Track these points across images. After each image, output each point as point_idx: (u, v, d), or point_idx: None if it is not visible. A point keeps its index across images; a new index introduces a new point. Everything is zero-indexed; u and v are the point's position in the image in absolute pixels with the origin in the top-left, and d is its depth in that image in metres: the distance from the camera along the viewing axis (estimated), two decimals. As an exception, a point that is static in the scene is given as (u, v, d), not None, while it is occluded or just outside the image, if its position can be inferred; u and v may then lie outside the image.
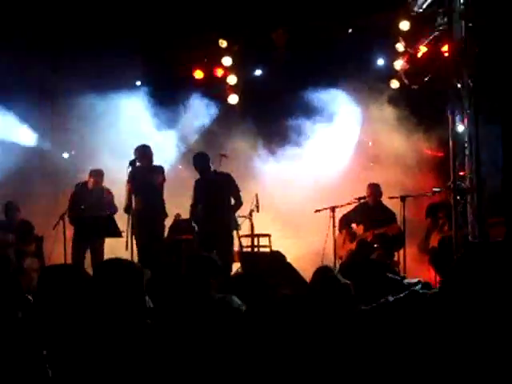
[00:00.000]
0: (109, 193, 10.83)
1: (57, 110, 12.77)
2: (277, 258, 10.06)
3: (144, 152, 10.32)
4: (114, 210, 10.63)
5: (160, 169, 10.42)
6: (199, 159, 10.21)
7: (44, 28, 12.05)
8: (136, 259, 9.61)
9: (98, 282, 3.59)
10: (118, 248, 10.08)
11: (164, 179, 10.39)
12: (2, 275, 3.97)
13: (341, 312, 4.00)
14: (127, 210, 10.06)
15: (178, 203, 10.87)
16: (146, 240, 10.12)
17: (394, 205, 10.52)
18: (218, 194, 9.96)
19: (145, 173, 10.20)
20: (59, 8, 11.90)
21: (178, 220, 11.16)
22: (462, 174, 9.16)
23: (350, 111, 12.72)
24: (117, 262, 3.72)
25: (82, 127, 12.59)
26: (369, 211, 10.65)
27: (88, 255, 10.57)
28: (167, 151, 12.31)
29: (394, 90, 12.65)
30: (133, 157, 10.14)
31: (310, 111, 12.61)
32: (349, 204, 10.75)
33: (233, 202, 10.12)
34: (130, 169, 10.04)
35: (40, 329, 3.54)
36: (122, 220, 10.18)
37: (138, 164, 10.16)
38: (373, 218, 10.52)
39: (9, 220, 10.79)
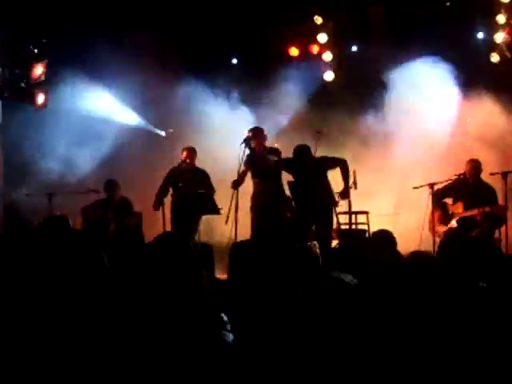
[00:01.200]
0: (204, 174, 10.93)
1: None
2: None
3: (258, 133, 10.39)
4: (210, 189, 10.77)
5: (277, 152, 10.43)
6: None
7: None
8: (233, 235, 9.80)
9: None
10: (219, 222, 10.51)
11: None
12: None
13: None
14: (235, 185, 10.19)
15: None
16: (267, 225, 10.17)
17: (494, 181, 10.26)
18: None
19: (263, 157, 10.27)
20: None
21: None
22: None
23: (449, 86, 12.41)
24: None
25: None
26: (468, 188, 10.33)
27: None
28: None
29: (494, 63, 12.32)
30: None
31: (408, 86, 12.37)
32: (448, 181, 10.49)
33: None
34: (246, 149, 10.19)
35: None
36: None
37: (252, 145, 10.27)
38: (473, 196, 10.24)
39: (109, 197, 11.02)
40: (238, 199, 10.12)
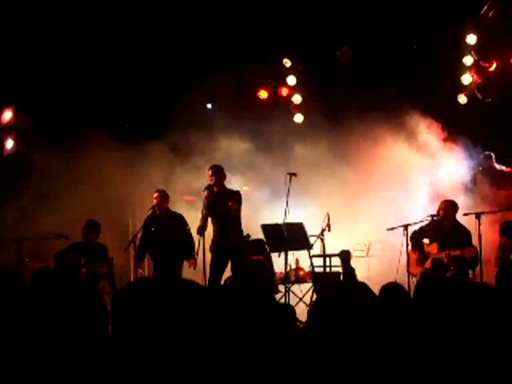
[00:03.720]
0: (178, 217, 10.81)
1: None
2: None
3: (218, 171, 10.28)
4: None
5: (237, 195, 10.25)
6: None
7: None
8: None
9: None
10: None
11: (240, 205, 10.21)
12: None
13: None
14: (199, 231, 10.06)
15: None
16: (224, 263, 10.11)
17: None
18: None
19: (221, 200, 10.11)
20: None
21: (248, 241, 11.11)
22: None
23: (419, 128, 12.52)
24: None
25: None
26: (443, 229, 10.34)
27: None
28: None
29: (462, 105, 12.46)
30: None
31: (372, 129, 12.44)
32: (422, 222, 10.51)
33: None
34: (207, 193, 10.09)
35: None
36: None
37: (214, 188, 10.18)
38: (447, 237, 10.24)
39: (85, 242, 10.83)
40: (204, 244, 9.94)
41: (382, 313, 4.98)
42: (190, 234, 10.48)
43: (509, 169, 11.66)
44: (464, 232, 10.18)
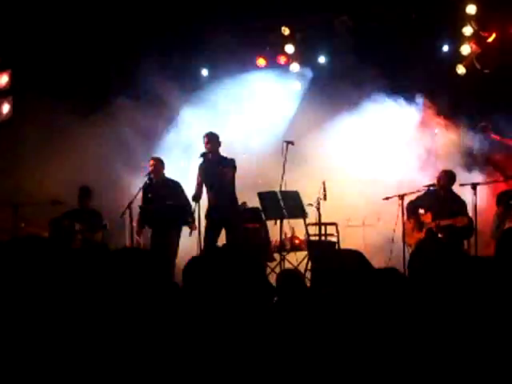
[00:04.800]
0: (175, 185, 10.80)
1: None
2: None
3: (212, 139, 10.23)
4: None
5: (231, 163, 10.20)
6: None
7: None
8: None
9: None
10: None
11: (234, 173, 10.19)
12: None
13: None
14: (194, 199, 10.05)
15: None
16: (218, 230, 10.12)
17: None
18: None
19: (215, 165, 10.08)
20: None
21: (244, 209, 11.12)
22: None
23: (413, 99, 12.50)
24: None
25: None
26: (438, 199, 10.35)
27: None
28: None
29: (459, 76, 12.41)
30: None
31: (374, 97, 12.43)
32: (418, 191, 10.52)
33: None
34: (202, 160, 10.09)
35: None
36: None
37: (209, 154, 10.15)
38: (442, 207, 10.26)
39: (80, 207, 10.83)
40: (199, 212, 9.95)
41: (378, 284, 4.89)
42: (188, 201, 10.45)
43: (505, 139, 11.66)
44: (459, 202, 10.20)
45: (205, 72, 13.68)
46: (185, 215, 10.31)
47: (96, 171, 11.88)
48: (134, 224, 10.51)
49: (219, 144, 10.26)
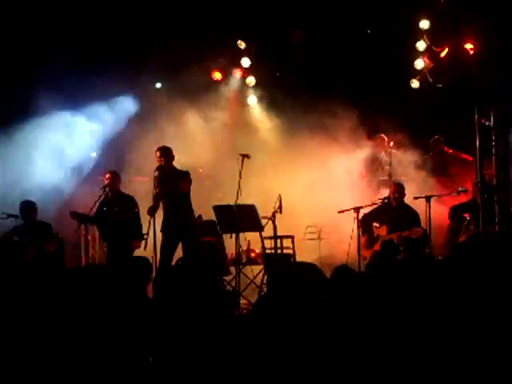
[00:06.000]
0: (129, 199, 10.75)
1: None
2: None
3: (167, 152, 10.21)
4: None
5: (186, 175, 10.21)
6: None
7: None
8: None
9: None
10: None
11: (190, 185, 10.20)
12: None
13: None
14: (150, 212, 10.00)
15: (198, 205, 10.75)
16: (175, 244, 10.08)
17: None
18: None
19: (171, 179, 10.07)
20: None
21: (200, 222, 11.08)
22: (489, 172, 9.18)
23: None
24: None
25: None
26: (392, 212, 10.48)
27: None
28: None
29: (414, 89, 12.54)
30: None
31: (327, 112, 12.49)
32: (374, 204, 10.61)
33: None
34: (157, 173, 10.03)
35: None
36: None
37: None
38: (396, 219, 10.37)
39: (26, 222, 10.70)
40: (155, 225, 9.91)
41: (333, 295, 5.01)
42: (139, 217, 10.47)
43: (458, 153, 11.86)
44: (411, 214, 10.34)
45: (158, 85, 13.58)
46: (136, 230, 10.32)
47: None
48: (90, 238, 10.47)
49: (173, 157, 10.24)
